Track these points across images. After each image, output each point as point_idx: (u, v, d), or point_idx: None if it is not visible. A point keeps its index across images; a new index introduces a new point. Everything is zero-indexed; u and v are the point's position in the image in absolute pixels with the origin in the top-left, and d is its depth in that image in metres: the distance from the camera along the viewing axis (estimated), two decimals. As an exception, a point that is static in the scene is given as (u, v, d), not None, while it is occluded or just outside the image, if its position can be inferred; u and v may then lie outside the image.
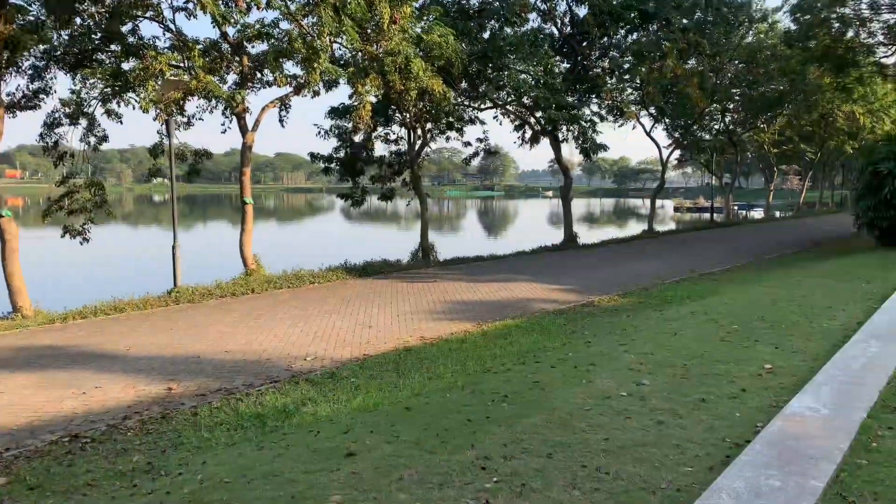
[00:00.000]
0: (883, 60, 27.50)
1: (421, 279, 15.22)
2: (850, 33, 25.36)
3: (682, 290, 12.86)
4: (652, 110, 28.96)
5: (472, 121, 23.86)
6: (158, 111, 12.77)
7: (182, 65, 13.62)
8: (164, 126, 13.72)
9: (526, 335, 8.98)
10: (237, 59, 14.60)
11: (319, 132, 20.82)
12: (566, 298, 12.53)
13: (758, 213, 51.60)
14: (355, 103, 14.69)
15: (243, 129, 14.69)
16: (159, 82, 12.51)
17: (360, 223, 54.71)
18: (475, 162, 27.50)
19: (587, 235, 31.94)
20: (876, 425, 4.17)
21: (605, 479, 3.70)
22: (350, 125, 18.36)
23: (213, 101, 14.23)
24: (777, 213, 52.54)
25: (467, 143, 25.16)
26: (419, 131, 20.38)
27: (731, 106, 35.27)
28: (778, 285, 11.48)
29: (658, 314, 9.66)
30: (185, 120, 15.31)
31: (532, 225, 54.57)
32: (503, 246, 26.58)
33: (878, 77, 29.28)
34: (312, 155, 21.86)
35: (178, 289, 12.75)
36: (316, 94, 13.97)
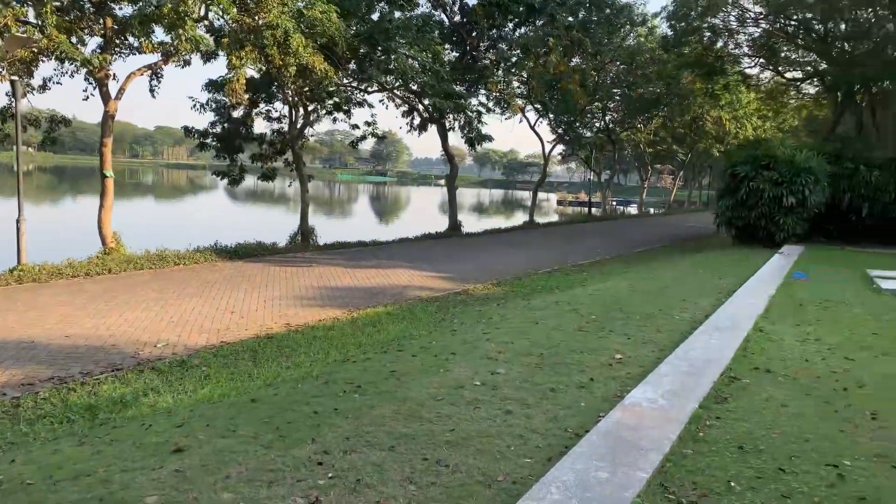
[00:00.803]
0: (747, 71, 29.60)
1: (296, 263, 14.75)
2: (720, 43, 27.07)
3: (552, 280, 13.21)
4: (538, 105, 29.67)
5: (360, 104, 23.47)
6: (1, 70, 11.51)
7: (34, 21, 12.37)
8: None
9: (395, 323, 8.85)
10: (100, 20, 13.45)
11: (195, 105, 19.71)
12: (442, 286, 12.53)
13: (633, 209, 54.37)
14: (230, 76, 13.93)
15: (105, 97, 13.58)
16: (6, 37, 11.28)
17: (243, 204, 52.71)
18: (367, 146, 27.23)
19: (472, 224, 32.36)
20: (706, 415, 4.35)
21: (443, 472, 3.61)
22: (234, 100, 17.48)
23: (70, 64, 13.03)
24: (651, 210, 55.62)
25: (355, 126, 24.75)
26: (302, 110, 19.73)
27: (612, 105, 36.78)
28: (640, 278, 12.02)
29: (525, 303, 9.82)
30: (39, 83, 13.97)
31: (419, 212, 54.71)
32: (388, 232, 26.40)
33: (742, 86, 31.51)
34: (187, 129, 20.64)
35: (23, 267, 11.62)
36: (187, 63, 13.11)
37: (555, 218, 44.69)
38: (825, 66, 24.47)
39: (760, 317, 7.64)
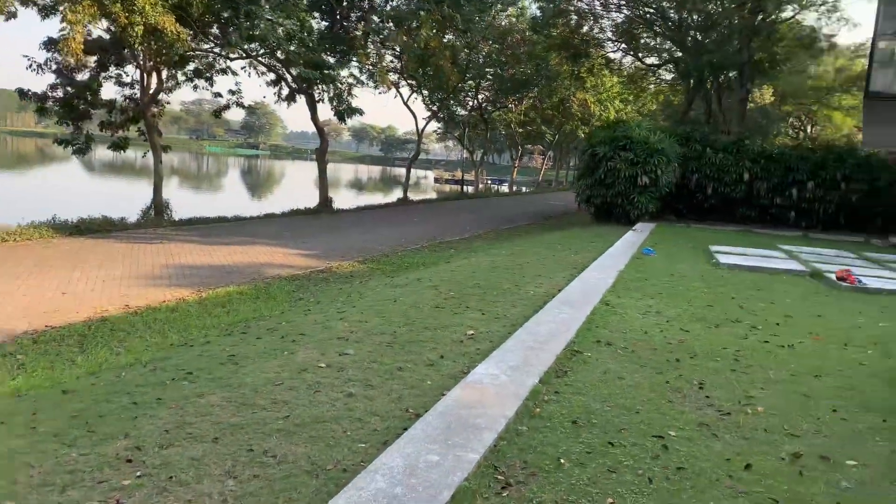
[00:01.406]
0: (610, 55, 30.90)
1: (146, 240, 13.71)
2: (586, 27, 28.02)
3: (419, 257, 13.14)
4: (411, 81, 29.43)
5: (223, 71, 22.20)
6: None
7: None
8: None
9: (248, 303, 8.40)
10: None
11: (31, 65, 17.71)
12: (305, 264, 12.11)
13: (506, 188, 55.72)
14: (65, 33, 12.59)
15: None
16: None
17: (97, 176, 48.71)
18: (238, 118, 25.85)
19: (346, 201, 31.80)
20: (544, 390, 4.36)
21: (269, 463, 3.35)
22: (72, 60, 15.83)
23: None
24: (524, 189, 57.24)
25: (217, 95, 23.41)
26: (155, 76, 18.31)
27: (485, 84, 37.23)
28: (503, 254, 12.19)
29: (388, 281, 9.66)
30: None
31: (290, 187, 53.06)
32: (254, 207, 25.32)
33: (606, 70, 32.88)
34: (22, 91, 18.55)
35: None
36: (12, 15, 11.66)
37: (431, 195, 44.87)
38: (679, 53, 25.98)
39: (608, 291, 7.90)
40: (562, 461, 3.33)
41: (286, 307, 8.02)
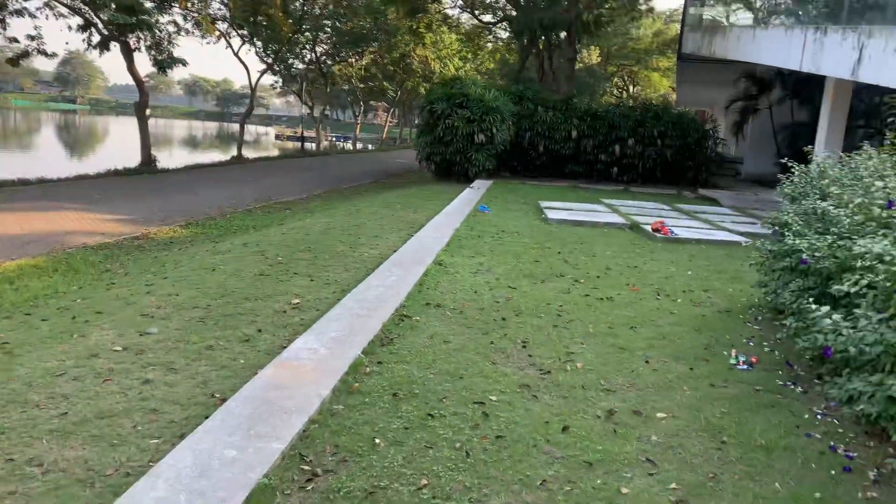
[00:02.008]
0: (448, 11, 30.80)
1: (-82, 208, 11.74)
2: (422, -20, 27.58)
3: (250, 219, 12.38)
4: (242, 31, 27.56)
5: (19, 13, 19.50)
6: None
7: None
8: None
9: (41, 278, 7.37)
10: None
11: None
12: (118, 230, 10.95)
13: (350, 145, 54.63)
14: None
15: None
16: None
17: None
18: (49, 68, 22.82)
19: (174, 159, 29.46)
20: (367, 361, 4.11)
21: (32, 475, 2.83)
22: None
23: None
24: (370, 146, 56.40)
25: (13, 40, 20.56)
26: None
27: (322, 37, 35.80)
28: (340, 214, 11.77)
29: (211, 247, 8.94)
30: None
31: (111, 146, 48.39)
32: (65, 168, 22.69)
33: (444, 26, 32.79)
34: None
35: None
36: None
37: (272, 153, 42.90)
38: (514, 12, 26.39)
39: (442, 250, 7.81)
40: (377, 441, 3.11)
41: (87, 281, 7.13)
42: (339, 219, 10.96)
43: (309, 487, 2.71)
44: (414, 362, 4.18)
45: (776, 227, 5.35)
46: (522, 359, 4.37)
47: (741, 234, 10.45)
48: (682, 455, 3.18)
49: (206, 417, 3.32)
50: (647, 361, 4.45)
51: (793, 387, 4.15)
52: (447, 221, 10.13)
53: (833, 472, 3.07)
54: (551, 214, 11.18)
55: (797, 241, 4.12)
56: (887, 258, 2.73)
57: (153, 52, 19.82)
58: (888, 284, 2.99)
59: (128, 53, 20.99)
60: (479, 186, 15.82)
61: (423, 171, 22.36)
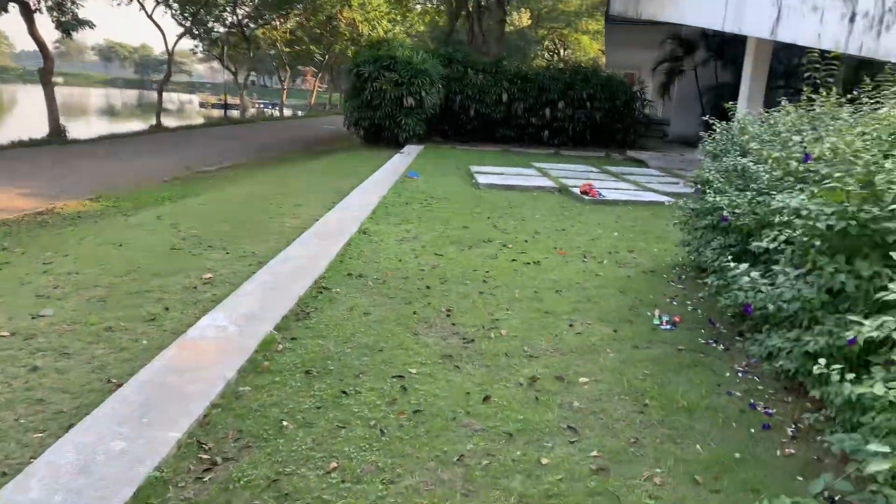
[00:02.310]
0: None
1: None
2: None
3: (168, 190, 11.77)
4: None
5: None
6: None
7: None
8: None
9: (-73, 260, 6.74)
10: None
11: None
12: (20, 205, 10.21)
13: (277, 112, 53.02)
14: None
15: None
16: None
17: None
18: None
19: (88, 129, 27.86)
20: (279, 338, 3.87)
21: None
22: None
23: None
24: (300, 113, 54.84)
25: None
26: None
27: (244, -2, 34.33)
28: (263, 183, 11.33)
29: (123, 220, 8.42)
30: None
31: (18, 116, 45.40)
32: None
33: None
34: None
35: None
36: None
37: (197, 121, 41.13)
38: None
39: (368, 218, 7.56)
40: (285, 424, 2.90)
41: (-20, 262, 6.56)
42: (261, 188, 10.53)
43: (206, 478, 2.49)
44: (331, 337, 3.96)
45: (698, 186, 5.33)
46: (446, 328, 4.22)
47: (667, 194, 10.58)
48: (603, 420, 3.10)
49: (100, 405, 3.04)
50: (571, 325, 4.38)
51: (715, 345, 4.15)
52: (374, 189, 9.85)
53: (753, 430, 3.06)
54: (482, 179, 11.04)
55: (718, 199, 4.08)
56: (804, 213, 2.67)
57: (55, 14, 18.45)
58: (805, 239, 2.94)
59: (27, 15, 19.52)
60: (410, 152, 15.53)
61: (352, 137, 21.86)
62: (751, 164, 4.32)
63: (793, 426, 3.09)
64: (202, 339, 3.74)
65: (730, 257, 4.00)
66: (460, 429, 2.94)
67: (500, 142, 19.30)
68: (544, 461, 2.70)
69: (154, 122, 29.10)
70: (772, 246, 3.23)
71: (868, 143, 2.98)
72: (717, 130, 5.69)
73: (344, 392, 3.23)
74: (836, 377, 2.18)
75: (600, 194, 9.86)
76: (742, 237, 4.20)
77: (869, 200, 2.53)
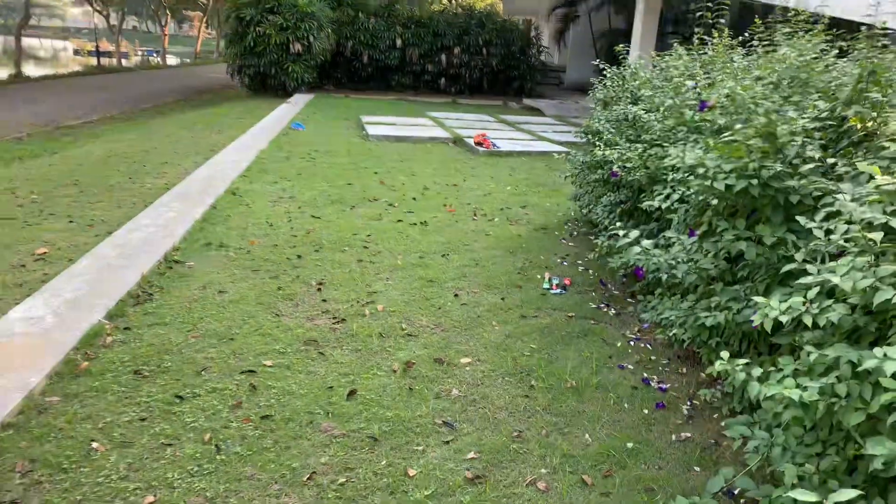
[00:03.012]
0: None
1: None
2: None
3: (18, 148, 10.40)
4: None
5: None
6: None
7: None
8: None
9: None
10: None
11: None
12: None
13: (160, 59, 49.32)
14: None
15: None
16: None
17: None
18: None
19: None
20: (109, 328, 3.25)
21: None
22: None
23: None
24: (188, 60, 51.22)
25: None
26: None
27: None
28: (129, 138, 10.22)
29: (-49, 186, 7.26)
30: None
31: None
32: None
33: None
34: None
35: None
36: None
37: (68, 69, 37.46)
38: None
39: (241, 176, 6.85)
40: (96, 445, 2.35)
41: None
42: (126, 144, 9.48)
43: (-31, 539, 1.93)
44: (174, 324, 3.38)
45: (587, 136, 5.01)
46: (315, 305, 3.72)
47: (561, 143, 10.36)
48: (484, 410, 2.73)
49: None
50: (456, 295, 3.98)
51: (606, 309, 3.88)
52: (253, 142, 9.04)
53: (646, 410, 2.78)
54: (372, 130, 10.41)
55: (608, 153, 3.74)
56: (700, 170, 2.35)
57: None
58: (700, 198, 2.64)
59: None
60: (298, 102, 14.59)
61: (239, 86, 20.46)
62: (642, 112, 4.00)
63: (688, 403, 2.85)
64: (6, 336, 3.07)
65: (618, 222, 3.71)
66: (316, 436, 2.49)
67: (396, 90, 18.56)
68: (412, 472, 2.30)
69: (13, 70, 26.20)
70: (664, 205, 2.91)
71: (766, 88, 2.69)
72: (608, 76, 5.37)
73: (179, 396, 2.69)
74: (740, 375, 1.87)
75: (495, 145, 9.49)
76: (633, 193, 3.91)
77: (771, 155, 2.22)
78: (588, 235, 5.36)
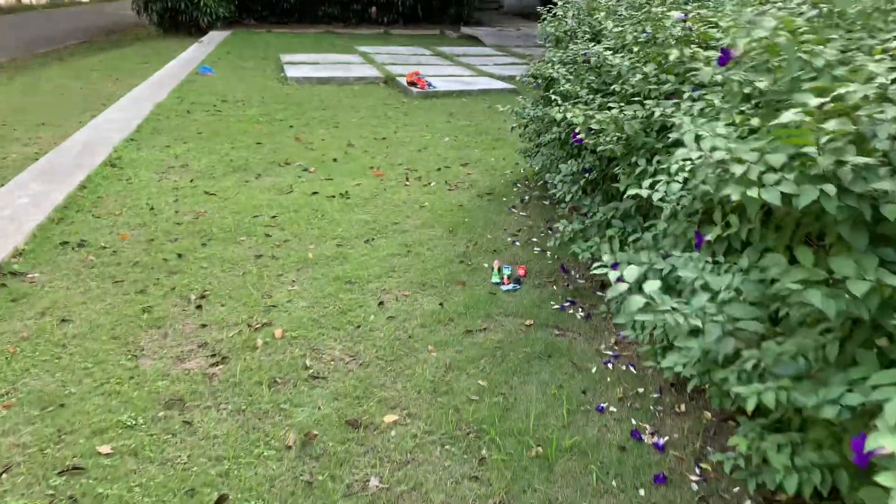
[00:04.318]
0: None
1: None
2: None
3: None
4: None
5: None
6: None
7: None
8: None
9: None
10: None
11: None
12: None
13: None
14: None
15: None
16: None
17: None
18: None
19: None
20: None
21: None
22: None
23: None
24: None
25: None
26: None
27: None
28: (3, 92, 8.75)
29: None
30: None
31: None
32: None
33: None
34: None
35: None
36: None
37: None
38: None
39: (127, 140, 5.70)
40: None
41: None
42: (5, 102, 8.05)
43: None
44: (-17, 382, 2.41)
45: (537, 82, 4.08)
46: (190, 335, 2.79)
47: (503, 78, 9.37)
48: None
49: None
50: (381, 303, 3.10)
51: (572, 309, 3.07)
52: (151, 93, 7.77)
53: (642, 490, 2.00)
54: (292, 72, 9.18)
55: (569, 115, 2.82)
56: (736, 168, 1.46)
57: None
58: (705, 188, 1.78)
59: None
60: (211, 40, 13.06)
61: (147, 24, 18.48)
62: (608, 53, 3.07)
63: (697, 471, 2.07)
64: None
65: (582, 191, 2.86)
66: None
67: (323, 22, 16.96)
68: None
69: None
70: (655, 196, 2.05)
71: (817, 23, 1.81)
72: (559, 3, 4.41)
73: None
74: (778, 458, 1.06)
75: (430, 84, 8.43)
76: (602, 161, 3.03)
77: (844, 137, 1.37)
78: (542, 200, 4.50)
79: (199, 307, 3.00)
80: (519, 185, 4.83)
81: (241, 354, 2.64)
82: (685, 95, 2.27)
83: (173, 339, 2.74)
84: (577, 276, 3.42)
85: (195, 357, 2.62)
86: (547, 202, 4.45)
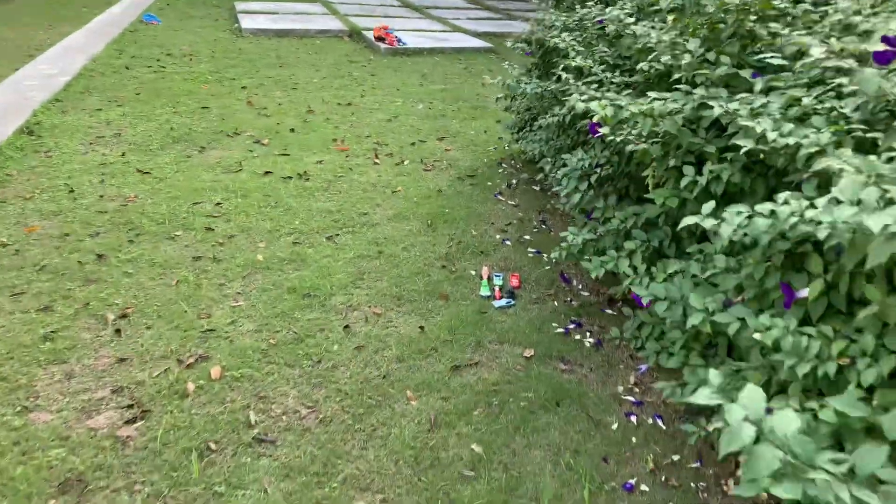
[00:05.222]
0: None
1: None
2: None
3: None
4: None
5: None
6: None
7: None
8: None
9: None
10: None
11: None
12: None
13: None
14: None
15: None
16: None
17: None
18: None
19: None
20: None
21: None
22: None
23: None
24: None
25: None
26: None
27: None
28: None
29: None
30: None
31: None
32: None
33: None
34: None
35: None
36: None
37: None
38: None
39: (51, 101, 4.91)
40: None
41: None
42: None
43: None
44: None
45: (531, 49, 3.47)
46: (101, 374, 2.19)
47: (479, 35, 8.66)
48: None
49: None
50: (347, 326, 2.53)
51: (578, 334, 2.55)
52: (86, 43, 6.89)
53: None
54: (247, 23, 8.32)
55: (593, 104, 2.21)
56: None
57: None
58: (816, 231, 1.27)
59: None
60: (158, -17, 11.92)
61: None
62: (629, 20, 2.48)
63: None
64: None
65: (591, 190, 2.32)
66: None
67: (283, -34, 15.80)
68: None
69: None
70: (725, 234, 1.52)
71: None
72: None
73: None
74: None
75: (399, 41, 7.70)
76: (620, 157, 2.47)
77: None
78: (531, 185, 3.94)
79: (117, 331, 2.39)
80: (504, 164, 4.25)
81: (166, 405, 2.06)
82: (756, 88, 1.71)
83: (80, 381, 2.14)
84: (580, 286, 2.89)
85: (106, 409, 2.03)
86: (538, 188, 3.89)
